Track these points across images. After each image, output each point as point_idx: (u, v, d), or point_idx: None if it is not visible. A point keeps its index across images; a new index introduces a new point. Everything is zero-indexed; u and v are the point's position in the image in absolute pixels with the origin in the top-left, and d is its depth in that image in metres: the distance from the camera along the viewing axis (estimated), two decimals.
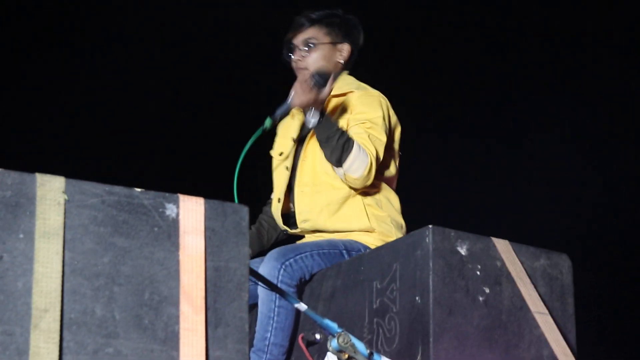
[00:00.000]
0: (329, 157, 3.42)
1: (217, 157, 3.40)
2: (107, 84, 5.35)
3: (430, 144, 5.21)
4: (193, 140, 5.34)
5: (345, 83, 3.61)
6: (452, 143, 5.57)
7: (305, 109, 3.42)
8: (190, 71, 5.48)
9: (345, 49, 3.66)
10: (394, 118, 3.60)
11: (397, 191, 3.66)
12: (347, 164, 3.39)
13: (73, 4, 5.32)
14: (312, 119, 3.39)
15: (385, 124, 3.50)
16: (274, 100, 3.48)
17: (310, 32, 3.63)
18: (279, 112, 3.41)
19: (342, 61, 3.66)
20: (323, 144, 3.42)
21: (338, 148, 3.38)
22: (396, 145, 3.64)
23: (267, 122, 3.38)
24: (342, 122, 3.51)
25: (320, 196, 3.52)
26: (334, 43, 3.64)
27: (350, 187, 3.49)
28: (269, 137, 3.64)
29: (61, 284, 2.13)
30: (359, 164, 3.39)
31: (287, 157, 3.63)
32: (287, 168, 3.61)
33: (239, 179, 3.33)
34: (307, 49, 3.62)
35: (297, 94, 3.37)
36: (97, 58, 5.34)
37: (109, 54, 5.34)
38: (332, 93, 3.54)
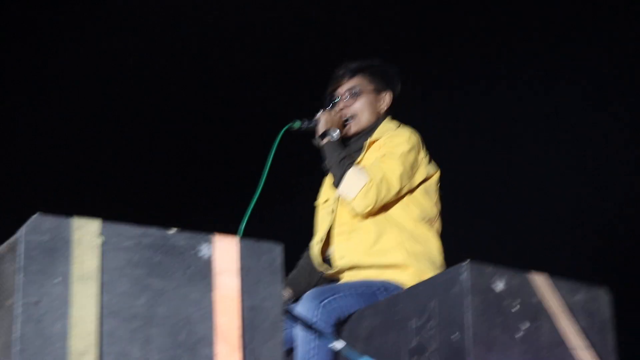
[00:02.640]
0: (334, 182, 3.59)
1: (250, 192, 3.45)
2: (133, 125, 5.41)
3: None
4: (228, 176, 5.39)
5: (386, 128, 3.69)
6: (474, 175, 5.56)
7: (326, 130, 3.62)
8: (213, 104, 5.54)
9: (387, 96, 3.78)
10: (423, 154, 3.63)
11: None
12: (342, 186, 3.53)
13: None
14: (328, 137, 3.60)
15: (406, 156, 3.55)
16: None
17: (354, 82, 3.75)
18: (306, 122, 3.63)
19: (384, 108, 3.76)
20: (328, 166, 3.60)
21: (337, 169, 3.55)
22: (429, 184, 3.65)
23: (296, 124, 3.61)
24: (371, 161, 3.58)
25: (357, 233, 3.57)
26: (377, 91, 3.75)
27: (361, 215, 3.55)
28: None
29: (98, 327, 2.14)
30: (354, 185, 3.50)
31: (332, 202, 3.69)
32: (332, 211, 3.67)
33: (264, 186, 3.47)
34: (352, 97, 3.71)
35: (324, 118, 3.62)
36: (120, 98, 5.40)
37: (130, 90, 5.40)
38: (372, 139, 3.67)
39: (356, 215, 3.59)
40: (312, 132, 3.67)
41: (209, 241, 2.30)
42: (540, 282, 2.92)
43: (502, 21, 5.60)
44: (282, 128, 3.58)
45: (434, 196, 3.67)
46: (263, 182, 3.47)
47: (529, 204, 5.52)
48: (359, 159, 3.64)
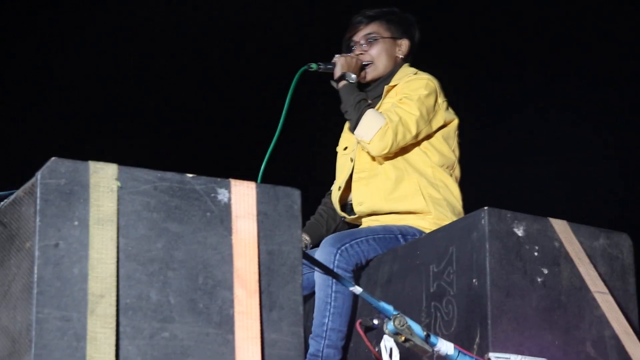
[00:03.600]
0: (350, 125, 3.59)
1: (269, 136, 3.44)
2: (149, 74, 5.40)
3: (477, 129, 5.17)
4: (243, 124, 5.38)
5: (404, 74, 3.68)
6: (499, 126, 5.52)
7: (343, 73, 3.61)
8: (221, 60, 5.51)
9: (404, 44, 3.76)
10: (441, 100, 3.61)
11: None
12: (359, 128, 3.52)
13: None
14: (345, 80, 3.60)
15: (423, 101, 3.54)
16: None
17: (371, 28, 3.74)
18: (322, 65, 3.62)
19: (401, 55, 3.76)
20: (345, 110, 3.59)
21: (354, 112, 3.54)
22: (448, 130, 3.64)
23: (313, 65, 3.60)
24: (388, 107, 3.56)
25: (377, 179, 3.58)
26: (394, 38, 3.75)
27: (373, 157, 3.56)
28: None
29: (116, 270, 2.15)
30: (370, 127, 3.49)
31: (351, 150, 3.67)
32: (351, 159, 3.66)
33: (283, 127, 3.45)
34: (368, 43, 3.69)
35: (341, 62, 3.61)
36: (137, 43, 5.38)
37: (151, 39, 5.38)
38: (390, 85, 3.66)
39: (375, 161, 3.58)
40: (329, 74, 3.66)
41: (226, 186, 2.29)
42: (560, 228, 2.91)
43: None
44: (299, 70, 3.57)
45: (453, 143, 3.65)
46: (281, 125, 3.46)
47: (548, 153, 5.48)
48: (377, 106, 3.63)
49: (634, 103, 5.48)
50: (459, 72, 5.10)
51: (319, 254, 3.33)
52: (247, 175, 3.33)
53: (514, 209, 2.92)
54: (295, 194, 2.36)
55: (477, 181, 3.83)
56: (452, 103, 3.69)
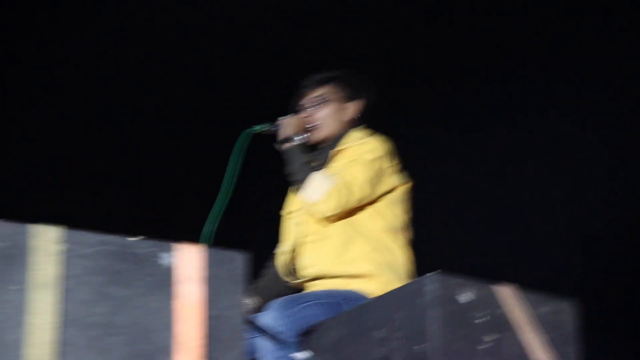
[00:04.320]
0: (294, 187, 3.58)
1: (213, 199, 3.44)
2: (96, 131, 5.39)
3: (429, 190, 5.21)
4: (189, 185, 5.37)
5: (352, 138, 3.68)
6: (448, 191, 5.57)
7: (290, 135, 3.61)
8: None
9: (353, 106, 3.75)
10: (390, 164, 3.61)
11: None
12: (304, 191, 3.50)
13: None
14: (290, 143, 3.59)
15: (370, 165, 3.54)
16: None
17: (319, 91, 3.74)
18: (269, 126, 3.62)
19: (350, 118, 3.74)
20: (290, 172, 3.57)
21: (300, 174, 3.53)
22: (397, 194, 3.64)
23: (260, 127, 3.61)
24: (334, 170, 3.58)
25: (324, 243, 3.56)
26: (343, 100, 3.73)
27: (320, 220, 3.54)
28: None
29: (56, 335, 2.11)
30: (316, 190, 3.48)
31: (298, 214, 3.68)
32: (297, 224, 3.65)
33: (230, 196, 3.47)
34: (315, 106, 3.71)
35: (288, 123, 3.60)
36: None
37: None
38: (338, 148, 3.66)
39: (322, 224, 3.57)
40: (275, 136, 3.66)
41: (170, 249, 2.27)
42: (507, 294, 2.91)
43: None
44: (243, 132, 3.57)
45: (403, 207, 3.65)
46: (226, 189, 3.45)
47: (498, 216, 5.53)
48: (324, 169, 3.63)
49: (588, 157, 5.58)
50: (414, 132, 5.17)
51: (266, 318, 3.29)
52: (194, 233, 3.34)
53: (459, 275, 2.93)
54: (239, 259, 2.34)
55: (424, 245, 3.83)
56: (404, 162, 3.70)
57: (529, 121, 5.63)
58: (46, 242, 2.16)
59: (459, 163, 5.56)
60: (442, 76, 5.65)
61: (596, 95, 5.51)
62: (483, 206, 5.58)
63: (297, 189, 3.56)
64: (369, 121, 3.80)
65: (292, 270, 3.67)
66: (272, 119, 3.67)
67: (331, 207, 3.48)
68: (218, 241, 3.33)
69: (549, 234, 5.54)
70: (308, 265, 3.59)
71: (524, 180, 5.64)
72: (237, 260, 2.32)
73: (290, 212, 3.76)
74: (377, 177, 3.56)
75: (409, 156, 3.72)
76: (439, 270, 2.86)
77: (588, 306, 3.17)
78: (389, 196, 3.61)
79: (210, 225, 3.43)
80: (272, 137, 3.66)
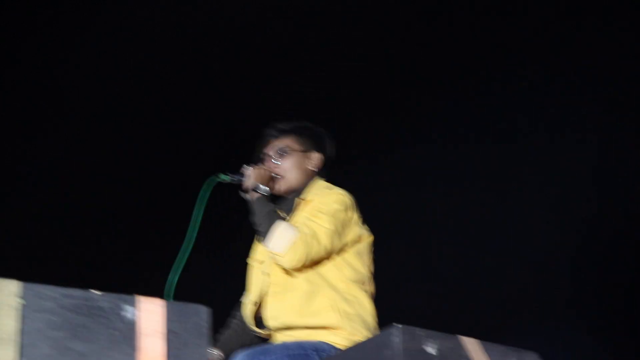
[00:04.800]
0: (260, 237, 3.56)
1: (176, 250, 3.41)
2: (53, 183, 5.35)
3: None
4: (149, 236, 5.34)
5: (317, 188, 3.70)
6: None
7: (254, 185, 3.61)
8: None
9: (315, 157, 3.78)
10: (354, 215, 3.63)
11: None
12: (270, 240, 3.49)
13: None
14: (255, 192, 3.59)
15: (336, 215, 3.55)
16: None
17: (282, 142, 3.76)
18: (232, 176, 3.62)
19: (313, 168, 3.76)
20: (255, 221, 3.57)
21: (265, 224, 3.52)
22: (361, 246, 3.64)
23: (223, 177, 3.60)
24: (300, 220, 3.58)
25: (290, 294, 3.55)
26: (305, 151, 3.76)
27: (287, 270, 3.53)
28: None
29: None
30: (282, 240, 3.47)
31: (266, 264, 3.66)
32: (263, 274, 3.63)
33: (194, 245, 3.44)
34: (279, 156, 3.71)
35: (252, 173, 3.60)
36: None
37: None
38: (303, 197, 3.67)
39: (289, 275, 3.56)
40: (239, 185, 3.65)
41: (133, 303, 2.24)
42: (472, 346, 2.90)
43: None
44: (207, 181, 3.57)
45: (367, 259, 3.66)
46: (190, 238, 3.43)
47: (459, 266, 5.54)
48: (289, 219, 3.62)
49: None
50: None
51: None
52: (156, 289, 3.30)
53: (426, 324, 2.92)
54: (204, 312, 2.32)
55: (390, 296, 3.83)
56: (364, 216, 3.71)
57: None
58: (6, 296, 2.12)
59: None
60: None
61: (595, 96, 5.56)
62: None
63: (262, 239, 3.54)
64: (328, 173, 3.82)
65: (258, 321, 3.64)
66: (237, 167, 3.67)
67: (298, 257, 3.46)
68: (182, 291, 3.30)
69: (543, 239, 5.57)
70: (274, 316, 3.56)
71: (515, 184, 5.67)
72: (202, 313, 2.30)
73: (257, 261, 3.74)
74: (343, 227, 3.57)
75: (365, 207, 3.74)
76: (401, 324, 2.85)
77: (587, 307, 3.17)
78: (355, 247, 3.62)
79: (172, 275, 3.40)
80: (236, 185, 3.65)
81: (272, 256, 3.54)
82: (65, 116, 5.35)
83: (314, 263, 3.53)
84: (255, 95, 5.55)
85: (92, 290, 2.21)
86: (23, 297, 2.13)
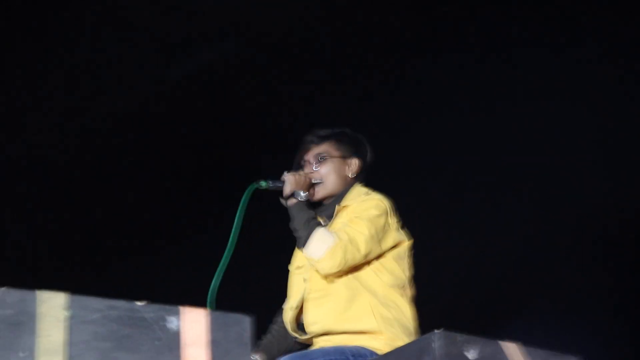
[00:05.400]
0: (299, 243, 3.57)
1: (219, 258, 3.45)
2: (96, 194, 5.40)
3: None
4: (194, 248, 5.38)
5: (356, 194, 3.72)
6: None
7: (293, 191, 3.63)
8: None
9: (354, 163, 3.79)
10: (392, 220, 3.64)
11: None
12: (308, 246, 3.52)
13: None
14: (295, 198, 3.61)
15: (374, 221, 3.57)
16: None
17: (321, 148, 3.79)
18: (272, 182, 3.64)
19: (351, 175, 3.78)
20: (294, 228, 3.59)
21: (304, 230, 3.54)
22: (400, 250, 3.65)
23: (263, 183, 3.62)
24: (339, 226, 3.60)
25: (329, 299, 3.57)
26: (344, 157, 3.78)
27: (325, 276, 3.55)
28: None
29: None
30: (320, 246, 3.49)
31: (305, 270, 3.68)
32: (304, 280, 3.65)
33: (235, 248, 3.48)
34: (318, 162, 3.73)
35: (291, 179, 3.62)
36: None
37: None
38: (342, 205, 3.69)
39: (328, 280, 3.58)
40: (278, 192, 3.68)
41: (177, 313, 2.27)
42: (511, 351, 2.90)
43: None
44: (248, 187, 3.60)
45: (405, 263, 3.67)
46: (231, 246, 3.47)
47: (498, 270, 5.53)
48: (328, 225, 3.65)
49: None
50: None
51: None
52: (201, 296, 3.34)
53: (467, 329, 2.92)
54: (246, 321, 2.35)
55: (431, 301, 3.83)
56: (404, 220, 3.73)
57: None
58: (53, 309, 2.17)
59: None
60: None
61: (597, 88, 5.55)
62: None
63: (301, 245, 3.57)
64: (367, 179, 3.84)
65: (299, 326, 3.67)
66: (277, 174, 3.70)
67: (336, 263, 3.48)
68: (225, 299, 3.33)
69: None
70: (314, 322, 3.59)
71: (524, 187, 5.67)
72: (244, 323, 2.33)
73: (297, 267, 3.77)
74: (382, 232, 3.58)
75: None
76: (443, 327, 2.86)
77: (587, 309, 3.16)
78: (394, 251, 3.63)
79: (214, 283, 3.44)
80: (276, 192, 3.68)
81: (310, 262, 3.56)
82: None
83: (352, 269, 3.55)
84: (297, 102, 5.58)
85: (137, 302, 2.25)
86: (70, 309, 2.18)
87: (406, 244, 3.69)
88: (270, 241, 4.83)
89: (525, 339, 2.96)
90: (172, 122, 5.57)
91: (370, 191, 3.72)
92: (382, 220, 3.59)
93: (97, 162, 5.41)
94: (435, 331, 2.85)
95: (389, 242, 3.61)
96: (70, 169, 5.39)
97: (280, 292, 3.85)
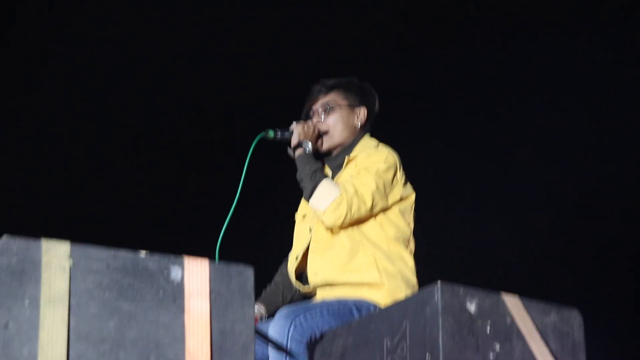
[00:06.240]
0: (304, 194, 3.58)
1: (223, 213, 3.46)
2: (101, 144, 5.39)
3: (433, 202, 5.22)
4: (197, 197, 5.38)
5: (365, 146, 3.71)
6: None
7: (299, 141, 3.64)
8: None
9: (362, 112, 3.78)
10: (399, 174, 3.64)
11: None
12: (313, 197, 3.53)
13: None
14: (302, 149, 3.62)
15: (381, 174, 3.56)
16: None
17: (329, 97, 3.77)
18: (280, 132, 3.64)
19: (359, 123, 3.77)
20: (300, 178, 3.60)
21: (309, 181, 3.55)
22: (405, 204, 3.66)
23: (270, 133, 3.62)
24: (346, 178, 3.59)
25: (333, 250, 3.57)
26: (351, 106, 3.76)
27: (332, 229, 3.56)
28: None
29: (67, 351, 2.13)
30: (325, 197, 3.50)
31: (310, 219, 3.68)
32: (309, 229, 3.66)
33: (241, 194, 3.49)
34: (326, 112, 3.72)
35: (298, 129, 3.63)
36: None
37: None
38: (352, 155, 3.68)
39: (332, 232, 3.59)
40: (285, 142, 3.68)
41: (180, 264, 2.29)
42: (512, 304, 2.92)
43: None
44: (255, 137, 3.60)
45: (409, 217, 3.67)
46: (239, 195, 3.47)
47: (499, 225, 5.54)
48: (337, 176, 3.65)
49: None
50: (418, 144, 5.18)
51: (273, 326, 3.31)
52: (204, 245, 3.35)
53: (466, 282, 2.94)
54: (248, 272, 2.36)
55: (430, 254, 3.85)
56: (408, 172, 3.73)
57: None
58: (57, 257, 2.18)
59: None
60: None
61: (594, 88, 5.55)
62: (483, 208, 5.60)
63: (307, 197, 3.57)
64: (373, 129, 3.83)
65: (303, 276, 3.68)
66: (284, 124, 3.69)
67: (341, 215, 3.49)
68: (231, 245, 3.34)
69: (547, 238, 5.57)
70: (316, 273, 3.60)
71: (520, 176, 5.67)
72: (247, 274, 2.34)
73: (302, 217, 3.77)
74: (389, 186, 3.58)
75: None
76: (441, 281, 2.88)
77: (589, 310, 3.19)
78: (399, 205, 3.63)
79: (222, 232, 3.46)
80: (283, 142, 3.67)
81: (316, 213, 3.57)
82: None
83: (358, 220, 3.56)
84: (304, 51, 5.55)
85: (140, 252, 2.26)
86: (73, 259, 2.19)
87: (412, 198, 3.69)
88: (276, 190, 4.83)
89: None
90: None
91: (379, 144, 3.72)
92: (389, 174, 3.59)
93: (103, 103, 5.40)
94: (438, 283, 2.87)
95: (395, 196, 3.61)
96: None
97: (286, 242, 3.86)
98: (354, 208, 3.50)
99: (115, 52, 5.36)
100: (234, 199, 3.50)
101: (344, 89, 3.78)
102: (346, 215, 3.50)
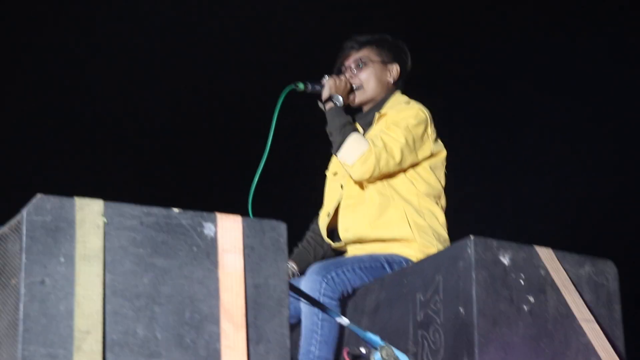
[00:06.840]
0: (333, 147, 3.58)
1: (255, 165, 3.45)
2: (133, 104, 5.40)
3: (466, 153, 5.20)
4: (230, 155, 5.38)
5: (396, 102, 3.69)
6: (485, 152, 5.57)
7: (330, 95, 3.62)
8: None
9: (394, 68, 3.76)
10: (430, 131, 3.62)
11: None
12: (341, 151, 3.52)
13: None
14: (332, 103, 3.60)
15: (411, 129, 3.55)
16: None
17: (362, 53, 3.75)
18: (311, 85, 3.62)
19: (392, 80, 3.75)
20: (329, 132, 3.59)
21: (338, 135, 3.54)
22: (436, 160, 3.64)
23: (300, 85, 3.60)
24: (376, 133, 3.58)
25: (363, 206, 3.57)
26: (384, 62, 3.74)
27: (356, 182, 3.56)
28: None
29: (102, 306, 2.15)
30: (353, 151, 3.49)
31: (342, 176, 3.68)
32: (341, 186, 3.66)
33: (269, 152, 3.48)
34: (358, 67, 3.71)
35: (330, 83, 3.61)
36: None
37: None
38: (382, 112, 3.66)
39: (362, 187, 3.58)
40: (316, 95, 3.66)
41: (212, 220, 2.30)
42: (546, 255, 2.92)
43: None
44: (285, 88, 3.58)
45: (440, 174, 3.66)
46: (268, 149, 3.47)
47: (532, 181, 5.52)
48: (367, 132, 3.64)
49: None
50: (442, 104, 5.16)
51: (305, 283, 3.32)
52: (236, 203, 3.35)
53: (499, 237, 2.93)
54: (281, 227, 2.36)
55: (463, 209, 3.84)
56: (439, 130, 3.71)
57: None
58: (91, 215, 2.19)
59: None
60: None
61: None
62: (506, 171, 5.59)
63: (336, 150, 3.56)
64: (405, 86, 3.81)
65: (334, 232, 3.69)
66: (316, 77, 3.67)
67: (368, 169, 3.48)
68: (263, 202, 3.34)
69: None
70: (347, 229, 3.60)
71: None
72: (280, 229, 2.35)
73: (334, 174, 3.77)
74: (419, 141, 3.57)
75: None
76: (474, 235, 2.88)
77: None
78: (430, 161, 3.62)
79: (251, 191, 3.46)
80: (314, 95, 3.65)
81: (345, 168, 3.57)
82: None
83: (386, 176, 3.55)
84: (337, 5, 5.52)
85: (173, 208, 2.27)
86: (106, 216, 2.20)
87: (442, 154, 3.67)
88: (309, 146, 4.82)
89: None
90: None
91: (410, 100, 3.70)
92: (420, 130, 3.57)
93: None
94: (470, 237, 2.87)
95: (425, 151, 3.60)
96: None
97: (317, 198, 3.85)
98: (382, 162, 3.49)
99: None
100: (264, 153, 3.49)
101: (377, 45, 3.76)
102: (374, 169, 3.49)
